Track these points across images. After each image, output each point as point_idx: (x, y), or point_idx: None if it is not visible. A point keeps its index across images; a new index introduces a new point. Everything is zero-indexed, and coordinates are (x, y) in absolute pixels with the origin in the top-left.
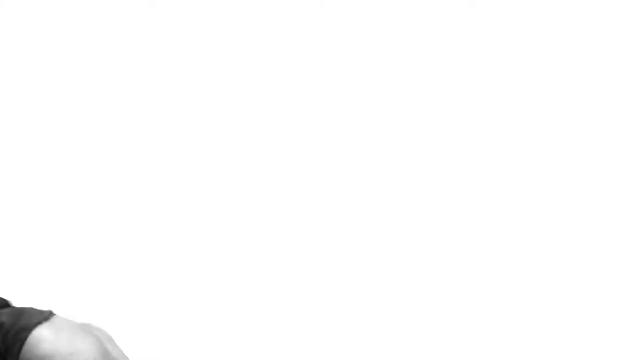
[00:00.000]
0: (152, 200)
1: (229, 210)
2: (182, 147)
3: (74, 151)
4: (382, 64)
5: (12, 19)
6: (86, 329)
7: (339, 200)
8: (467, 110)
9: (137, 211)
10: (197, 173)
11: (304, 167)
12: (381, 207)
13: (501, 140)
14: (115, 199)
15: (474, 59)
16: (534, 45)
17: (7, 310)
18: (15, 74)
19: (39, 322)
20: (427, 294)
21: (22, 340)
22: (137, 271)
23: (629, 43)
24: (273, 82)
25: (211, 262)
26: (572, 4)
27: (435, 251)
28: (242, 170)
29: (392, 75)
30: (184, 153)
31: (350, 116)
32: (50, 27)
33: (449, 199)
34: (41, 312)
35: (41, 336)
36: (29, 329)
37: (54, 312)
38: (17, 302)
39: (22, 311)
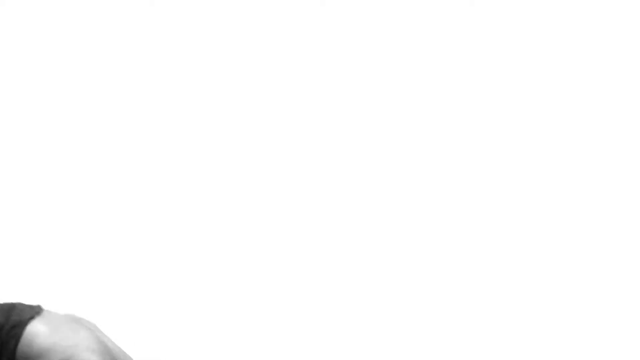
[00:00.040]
0: (152, 200)
1: (229, 210)
2: (182, 147)
3: (73, 150)
4: (382, 64)
5: (12, 19)
6: (76, 320)
7: (338, 200)
8: (467, 109)
9: (137, 211)
10: (197, 172)
11: (304, 166)
12: (381, 207)
13: (501, 140)
14: (114, 198)
15: (474, 59)
16: (534, 45)
17: None
18: (15, 74)
19: (32, 317)
20: (427, 294)
21: (17, 337)
22: (136, 271)
23: (629, 43)
24: (273, 82)
25: (211, 262)
26: (572, 4)
27: (435, 251)
28: (242, 170)
29: (392, 75)
30: (184, 152)
31: (350, 116)
32: (50, 27)
33: (448, 198)
34: (31, 307)
35: (36, 331)
36: (22, 324)
37: (42, 306)
38: (8, 300)
39: (12, 307)
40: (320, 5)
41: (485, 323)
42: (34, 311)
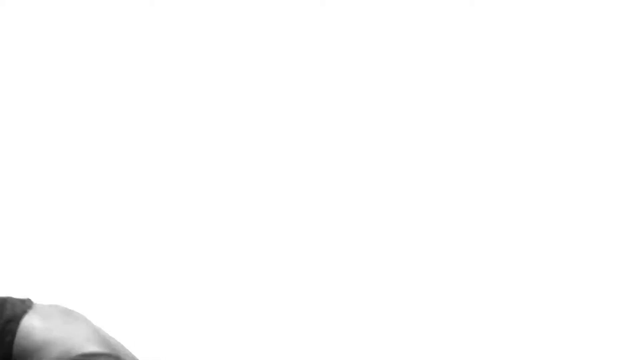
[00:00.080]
0: (152, 200)
1: (229, 210)
2: (182, 147)
3: (73, 151)
4: (382, 64)
5: (12, 19)
6: (69, 312)
7: (338, 200)
8: (467, 110)
9: (136, 211)
10: (197, 173)
11: (304, 167)
12: (381, 207)
13: (501, 140)
14: (113, 198)
15: (474, 59)
16: (534, 45)
17: None
18: (15, 74)
19: (25, 312)
20: (427, 294)
21: (12, 332)
22: (134, 271)
23: (629, 43)
24: (273, 82)
25: (211, 262)
26: (572, 4)
27: (435, 251)
28: (242, 170)
29: (392, 75)
30: (184, 153)
31: (350, 116)
32: (50, 27)
33: (449, 199)
34: (22, 300)
35: (31, 325)
36: (16, 319)
37: (32, 299)
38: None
39: (3, 301)
40: (320, 5)
41: (485, 323)
42: (26, 305)
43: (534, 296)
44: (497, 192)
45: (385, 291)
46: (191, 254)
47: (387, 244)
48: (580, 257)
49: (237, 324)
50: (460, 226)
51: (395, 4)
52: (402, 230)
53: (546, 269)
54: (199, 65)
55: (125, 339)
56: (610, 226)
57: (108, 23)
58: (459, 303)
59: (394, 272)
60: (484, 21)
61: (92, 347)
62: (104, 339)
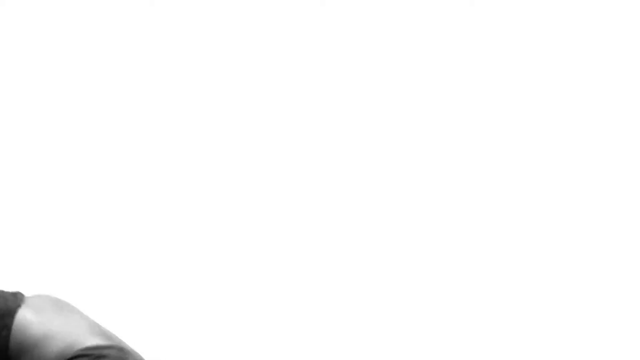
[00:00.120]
0: (152, 200)
1: (229, 210)
2: (182, 147)
3: (74, 151)
4: (382, 64)
5: (12, 19)
6: (62, 304)
7: (338, 200)
8: (467, 110)
9: (136, 211)
10: (197, 173)
11: (303, 166)
12: (381, 207)
13: (501, 140)
14: (113, 199)
15: (474, 59)
16: (534, 45)
17: None
18: (15, 74)
19: (18, 305)
20: (427, 294)
21: (8, 326)
22: (134, 271)
23: (629, 43)
24: (273, 82)
25: (211, 262)
26: (572, 4)
27: (435, 251)
28: (242, 170)
29: (392, 75)
30: (184, 153)
31: (350, 116)
32: (50, 27)
33: (449, 199)
34: (13, 294)
35: (27, 320)
36: (10, 313)
37: (22, 292)
38: None
39: None
40: (320, 5)
41: (485, 323)
42: (18, 299)
43: (533, 296)
44: (497, 191)
45: (385, 291)
46: (190, 253)
47: (387, 244)
48: (580, 257)
49: (237, 324)
50: (460, 226)
51: (395, 4)
52: (402, 229)
53: (546, 269)
54: (199, 65)
55: (125, 339)
56: (610, 226)
57: (108, 23)
58: (458, 303)
59: (393, 272)
60: (484, 21)
61: (94, 340)
62: (102, 331)
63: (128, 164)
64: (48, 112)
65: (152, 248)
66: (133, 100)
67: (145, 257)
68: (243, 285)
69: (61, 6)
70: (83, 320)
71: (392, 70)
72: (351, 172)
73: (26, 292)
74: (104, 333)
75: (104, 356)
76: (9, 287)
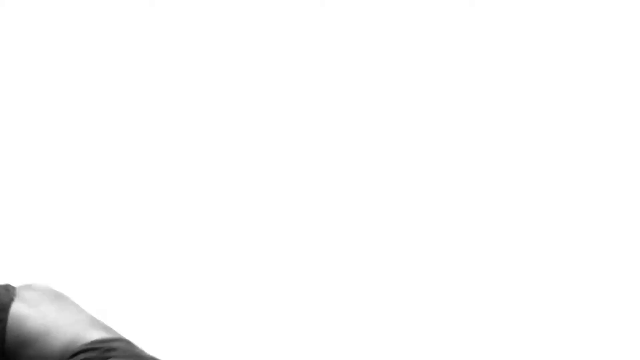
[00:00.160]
0: (152, 200)
1: (229, 210)
2: (182, 147)
3: (74, 151)
4: (382, 64)
5: (12, 19)
6: (54, 294)
7: (338, 200)
8: (467, 110)
9: (136, 211)
10: (197, 172)
11: (303, 166)
12: (381, 207)
13: (501, 140)
14: (113, 199)
15: (474, 59)
16: (534, 45)
17: None
18: (15, 74)
19: (11, 299)
20: (427, 294)
21: (3, 321)
22: (134, 271)
23: (629, 43)
24: (273, 82)
25: (210, 262)
26: (572, 4)
27: (435, 251)
28: (242, 170)
29: (392, 75)
30: (184, 153)
31: (350, 116)
32: (50, 27)
33: (449, 199)
34: (4, 287)
35: (22, 314)
36: (5, 308)
37: (12, 284)
38: None
39: None
40: (320, 5)
41: (485, 323)
42: (10, 292)
43: (533, 296)
44: (497, 191)
45: (385, 291)
46: (190, 253)
47: (387, 243)
48: (580, 257)
49: (236, 324)
50: (459, 226)
51: (395, 4)
52: (402, 229)
53: (546, 269)
54: (199, 65)
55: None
56: (610, 226)
57: (108, 23)
58: (458, 303)
59: (393, 272)
60: (484, 21)
61: (98, 334)
62: (102, 324)
63: (128, 163)
64: (48, 111)
65: (151, 247)
66: (133, 100)
67: (145, 256)
68: (243, 285)
69: (61, 6)
70: (81, 313)
71: (392, 70)
72: (351, 171)
73: (16, 282)
74: (104, 326)
75: (113, 349)
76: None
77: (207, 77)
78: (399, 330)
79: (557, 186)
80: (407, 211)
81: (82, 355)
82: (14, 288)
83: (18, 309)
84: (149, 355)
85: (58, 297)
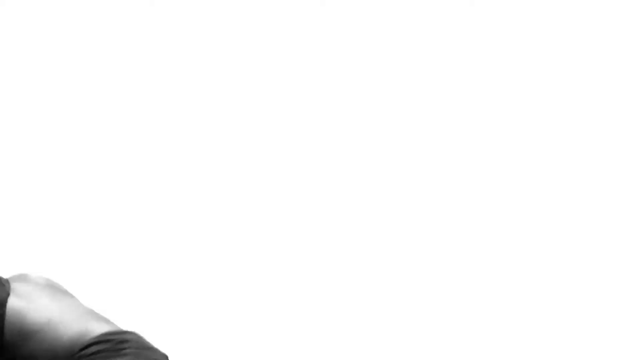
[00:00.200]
0: (152, 200)
1: (229, 210)
2: (182, 147)
3: (74, 151)
4: (382, 64)
5: (12, 19)
6: (48, 286)
7: (338, 200)
8: (467, 109)
9: (137, 211)
10: (197, 172)
11: (303, 166)
12: (381, 207)
13: (501, 140)
14: (114, 199)
15: (474, 59)
16: (534, 45)
17: None
18: (15, 74)
19: (8, 294)
20: (427, 294)
21: (1, 316)
22: (135, 271)
23: (629, 43)
24: (273, 82)
25: (210, 262)
26: (572, 4)
27: (435, 251)
28: (241, 169)
29: (392, 75)
30: (184, 152)
31: (350, 116)
32: (50, 27)
33: (448, 199)
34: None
35: (20, 308)
36: (2, 302)
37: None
38: None
39: None
40: (320, 5)
41: (485, 323)
42: (5, 287)
43: (533, 296)
44: (497, 191)
45: (384, 291)
46: (190, 252)
47: (387, 243)
48: (580, 257)
49: (236, 324)
50: (459, 226)
51: (395, 4)
52: (402, 229)
53: (546, 269)
54: (198, 65)
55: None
56: (610, 226)
57: (108, 23)
58: (458, 303)
59: (393, 272)
60: (484, 21)
61: (105, 326)
62: (102, 316)
63: (128, 163)
64: (48, 111)
65: (151, 247)
66: (133, 100)
67: (144, 256)
68: (242, 285)
69: (61, 6)
70: (80, 306)
71: (392, 70)
72: (351, 171)
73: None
74: (105, 319)
75: (126, 340)
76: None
77: (207, 77)
78: (399, 330)
79: (557, 186)
80: (407, 211)
81: (95, 347)
82: (7, 282)
83: (16, 303)
84: (157, 348)
85: (53, 289)
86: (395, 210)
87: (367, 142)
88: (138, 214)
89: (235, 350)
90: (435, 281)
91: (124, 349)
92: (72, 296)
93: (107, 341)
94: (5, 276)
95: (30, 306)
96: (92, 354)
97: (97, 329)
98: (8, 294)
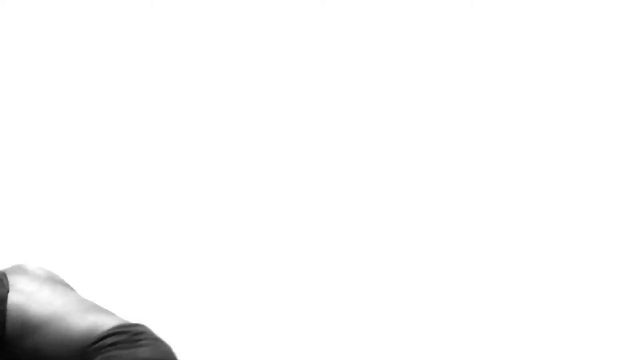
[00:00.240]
0: (152, 200)
1: (229, 210)
2: (182, 147)
3: (74, 151)
4: (382, 64)
5: (12, 19)
6: (46, 278)
7: (338, 200)
8: (467, 110)
9: (137, 211)
10: (197, 172)
11: (303, 166)
12: (381, 207)
13: (501, 140)
14: (114, 199)
15: (474, 59)
16: (534, 45)
17: None
18: (15, 74)
19: (7, 290)
20: (427, 294)
21: (2, 313)
22: (135, 271)
23: (629, 43)
24: (273, 82)
25: (210, 262)
26: (572, 4)
27: (435, 251)
28: (241, 169)
29: (392, 75)
30: (184, 152)
31: (350, 116)
32: (50, 27)
33: (448, 199)
34: None
35: (21, 303)
36: (2, 298)
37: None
38: None
39: None
40: (320, 5)
41: (485, 323)
42: (4, 283)
43: (533, 296)
44: (497, 190)
45: (385, 291)
46: (190, 252)
47: (387, 243)
48: (580, 257)
49: (236, 323)
50: (459, 226)
51: (395, 4)
52: (402, 229)
53: (545, 269)
54: (199, 65)
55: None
56: (610, 226)
57: (108, 23)
58: (458, 303)
59: (393, 272)
60: (484, 21)
61: (114, 320)
62: (106, 310)
63: (128, 163)
64: (48, 111)
65: (151, 247)
66: (133, 100)
67: (144, 256)
68: (242, 285)
69: (61, 6)
70: (84, 299)
71: (392, 70)
72: (351, 171)
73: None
74: (111, 312)
75: (141, 332)
76: None
77: (207, 76)
78: (399, 330)
79: (557, 186)
80: (406, 211)
81: (111, 339)
82: (5, 275)
83: (16, 298)
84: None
85: (53, 281)
86: (395, 210)
87: (367, 142)
88: (137, 212)
89: (235, 350)
90: (435, 281)
91: (141, 340)
92: (72, 289)
93: (123, 332)
94: (2, 267)
95: (31, 300)
96: (109, 345)
97: (108, 321)
98: (8, 290)
